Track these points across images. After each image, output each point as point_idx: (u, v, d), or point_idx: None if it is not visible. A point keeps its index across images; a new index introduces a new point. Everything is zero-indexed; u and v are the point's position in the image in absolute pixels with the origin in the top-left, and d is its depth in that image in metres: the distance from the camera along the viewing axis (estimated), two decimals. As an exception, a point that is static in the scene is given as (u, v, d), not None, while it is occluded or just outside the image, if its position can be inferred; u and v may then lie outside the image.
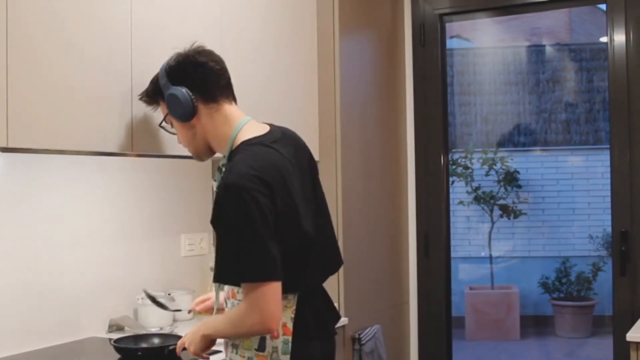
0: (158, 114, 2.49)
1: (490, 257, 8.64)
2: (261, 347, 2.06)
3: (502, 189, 8.52)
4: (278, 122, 3.02)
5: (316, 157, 3.25)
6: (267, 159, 2.02)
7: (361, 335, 3.29)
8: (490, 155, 8.59)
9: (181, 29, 2.61)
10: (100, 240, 2.88)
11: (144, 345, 2.52)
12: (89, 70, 2.27)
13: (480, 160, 8.55)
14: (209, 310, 2.43)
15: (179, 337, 2.54)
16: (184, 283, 3.25)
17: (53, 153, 2.30)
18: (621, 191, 3.50)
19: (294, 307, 2.07)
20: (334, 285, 3.22)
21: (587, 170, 9.17)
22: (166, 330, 2.83)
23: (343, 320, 3.18)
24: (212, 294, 2.38)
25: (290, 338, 2.05)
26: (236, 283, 2.04)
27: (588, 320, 8.00)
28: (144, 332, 2.74)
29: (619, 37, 3.51)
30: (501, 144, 9.39)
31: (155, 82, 2.24)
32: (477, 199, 8.51)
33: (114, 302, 2.91)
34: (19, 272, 2.57)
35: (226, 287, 2.17)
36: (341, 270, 3.22)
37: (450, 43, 9.21)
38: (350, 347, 3.26)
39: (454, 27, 8.46)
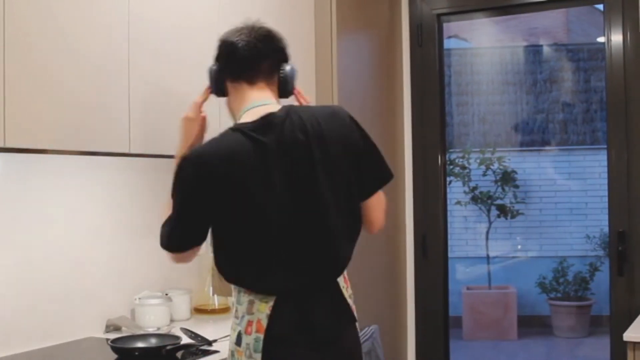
0: (155, 113, 2.50)
1: (488, 257, 8.65)
2: (238, 342, 2.04)
3: (500, 189, 8.53)
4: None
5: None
6: (225, 145, 2.02)
7: (359, 336, 3.29)
8: (488, 155, 8.59)
9: (178, 30, 2.61)
10: (97, 239, 2.88)
11: (141, 345, 2.52)
12: (86, 70, 2.27)
13: (478, 160, 8.56)
14: None
15: (177, 337, 2.55)
16: (181, 283, 3.24)
17: (50, 153, 2.30)
18: (618, 191, 3.50)
19: (272, 304, 2.00)
20: (331, 285, 3.21)
21: (584, 170, 9.18)
22: (163, 331, 2.83)
23: (340, 321, 3.17)
24: None
25: (262, 336, 1.99)
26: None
27: (585, 320, 8.01)
28: (142, 332, 2.74)
29: (617, 37, 3.51)
30: (498, 137, 9.41)
31: None
32: (475, 199, 8.51)
33: (111, 302, 2.91)
34: (15, 272, 2.56)
35: None
36: (339, 270, 3.25)
37: (448, 43, 9.21)
38: (348, 347, 3.26)
39: (451, 27, 8.47)
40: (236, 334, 2.05)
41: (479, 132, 9.60)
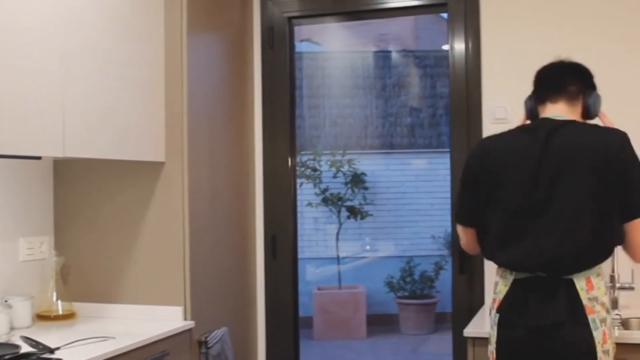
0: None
1: (338, 258, 8.80)
2: (490, 313, 2.48)
3: (350, 191, 8.70)
4: (123, 123, 2.96)
5: (162, 158, 3.21)
6: (502, 139, 2.54)
7: (208, 338, 3.26)
8: (338, 157, 8.74)
9: (21, 28, 2.50)
10: None
11: (-24, 355, 2.41)
12: None
13: (329, 163, 8.69)
14: None
15: (16, 346, 2.45)
16: (23, 289, 3.11)
17: None
18: (460, 193, 3.64)
19: (508, 287, 2.40)
20: (179, 289, 3.19)
21: (430, 172, 9.51)
22: (2, 339, 2.71)
23: (189, 324, 3.15)
24: None
25: (498, 315, 2.41)
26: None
27: (431, 317, 8.30)
28: (-23, 341, 2.61)
29: (459, 46, 3.66)
30: (348, 139, 9.59)
31: None
32: (325, 201, 8.64)
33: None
34: None
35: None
36: (187, 272, 3.21)
37: (301, 46, 9.30)
38: (197, 350, 3.23)
39: (304, 30, 8.56)
40: (488, 306, 2.54)
41: (330, 135, 9.76)
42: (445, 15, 3.80)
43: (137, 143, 3.06)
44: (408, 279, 8.59)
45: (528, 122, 2.65)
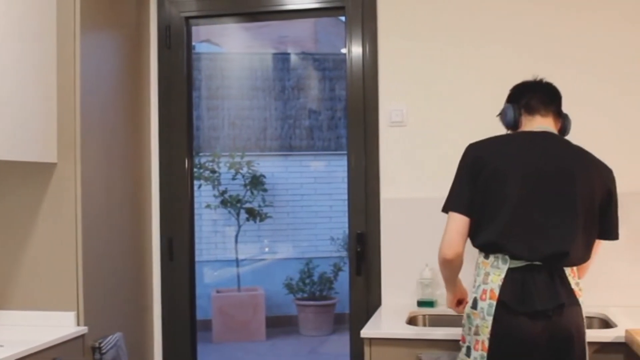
0: None
1: (237, 260, 8.76)
2: (474, 306, 2.52)
3: (249, 193, 8.68)
4: (12, 123, 2.86)
5: (54, 159, 3.12)
6: (499, 139, 2.70)
7: (102, 344, 3.19)
8: (237, 159, 8.70)
9: None
10: None
11: None
12: None
13: (228, 164, 8.64)
14: None
15: None
16: None
17: None
18: (357, 195, 3.67)
19: (503, 277, 2.48)
20: (71, 293, 3.11)
21: (329, 174, 9.57)
22: None
23: (82, 329, 3.07)
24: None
25: (495, 303, 2.46)
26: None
27: (329, 318, 8.35)
28: None
29: (357, 49, 3.69)
30: (247, 141, 9.57)
31: None
32: (224, 203, 8.59)
33: None
34: None
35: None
36: (80, 277, 3.14)
37: (200, 47, 9.22)
38: (91, 356, 3.15)
39: (204, 31, 8.49)
40: (472, 300, 2.54)
41: (229, 137, 9.70)
42: (344, 18, 3.83)
43: (27, 143, 2.97)
44: (307, 281, 8.62)
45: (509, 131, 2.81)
